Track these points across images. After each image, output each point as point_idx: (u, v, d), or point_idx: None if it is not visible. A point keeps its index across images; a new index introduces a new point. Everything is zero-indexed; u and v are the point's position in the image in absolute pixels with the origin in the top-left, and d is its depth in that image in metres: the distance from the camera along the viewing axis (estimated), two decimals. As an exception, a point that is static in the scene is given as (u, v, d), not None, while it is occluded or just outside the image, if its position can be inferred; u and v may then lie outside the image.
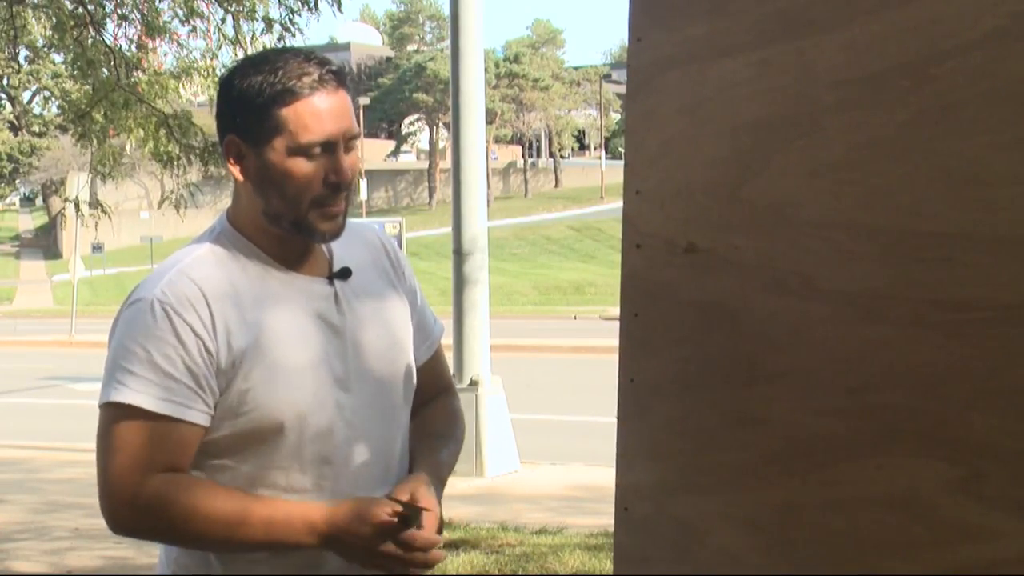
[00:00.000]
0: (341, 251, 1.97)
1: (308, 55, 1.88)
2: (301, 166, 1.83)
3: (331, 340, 1.90)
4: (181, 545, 1.89)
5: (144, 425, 1.80)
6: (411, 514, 1.83)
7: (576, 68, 72.50)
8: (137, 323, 1.83)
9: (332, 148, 1.85)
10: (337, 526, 1.82)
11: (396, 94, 66.11)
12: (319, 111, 1.83)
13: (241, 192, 1.91)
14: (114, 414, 1.82)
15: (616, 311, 2.02)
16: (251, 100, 1.84)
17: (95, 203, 10.36)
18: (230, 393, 1.83)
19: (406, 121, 68.87)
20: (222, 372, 1.82)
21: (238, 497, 1.82)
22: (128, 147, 11.30)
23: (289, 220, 1.87)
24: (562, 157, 70.95)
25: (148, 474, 1.80)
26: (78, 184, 16.26)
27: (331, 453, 1.89)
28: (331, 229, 1.89)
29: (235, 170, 1.88)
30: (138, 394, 1.79)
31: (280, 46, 1.82)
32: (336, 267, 1.95)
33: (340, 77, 1.87)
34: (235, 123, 1.87)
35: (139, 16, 9.05)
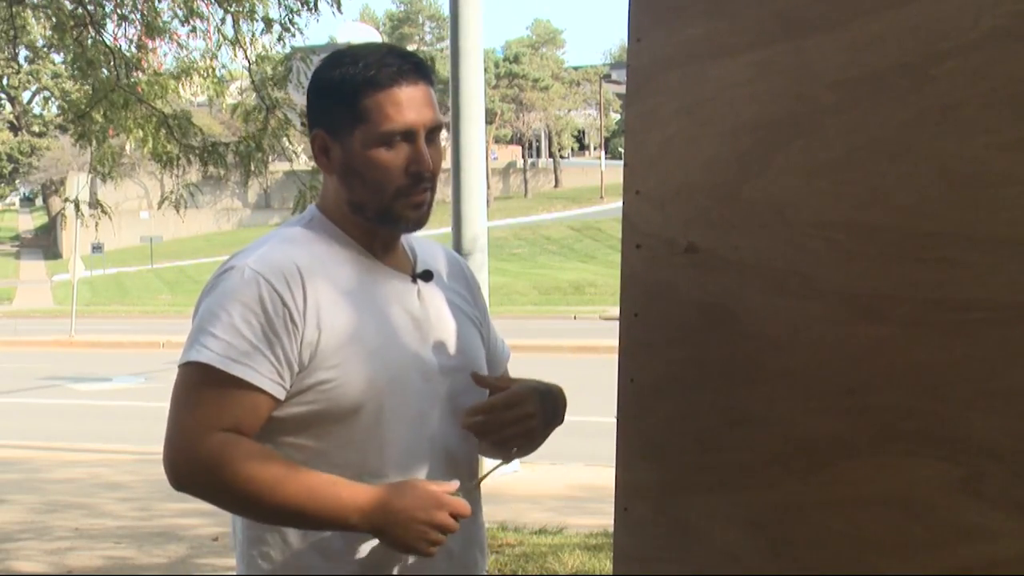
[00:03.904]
0: (424, 257, 2.02)
1: (390, 49, 1.94)
2: (382, 155, 1.88)
3: (414, 331, 1.94)
4: (232, 508, 1.89)
5: (214, 385, 1.81)
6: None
7: (576, 68, 72.40)
8: (225, 288, 1.85)
9: (413, 137, 1.89)
10: (388, 501, 1.80)
11: (396, 94, 65.84)
12: (399, 101, 1.88)
13: (328, 185, 1.96)
14: (188, 372, 1.84)
15: (616, 311, 2.02)
16: (333, 93, 1.90)
17: (95, 203, 10.33)
18: (313, 370, 1.84)
19: (406, 121, 68.60)
20: (306, 346, 1.83)
21: (289, 464, 1.82)
22: (128, 147, 11.29)
23: (373, 209, 1.91)
24: (562, 157, 70.85)
25: (211, 432, 1.80)
26: (78, 184, 16.26)
27: (404, 438, 1.90)
28: (415, 217, 1.92)
29: (322, 163, 1.93)
30: (212, 354, 1.81)
31: (361, 45, 1.82)
32: (419, 270, 2.00)
33: (421, 69, 1.92)
34: (320, 117, 1.92)
35: (139, 16, 9.04)
